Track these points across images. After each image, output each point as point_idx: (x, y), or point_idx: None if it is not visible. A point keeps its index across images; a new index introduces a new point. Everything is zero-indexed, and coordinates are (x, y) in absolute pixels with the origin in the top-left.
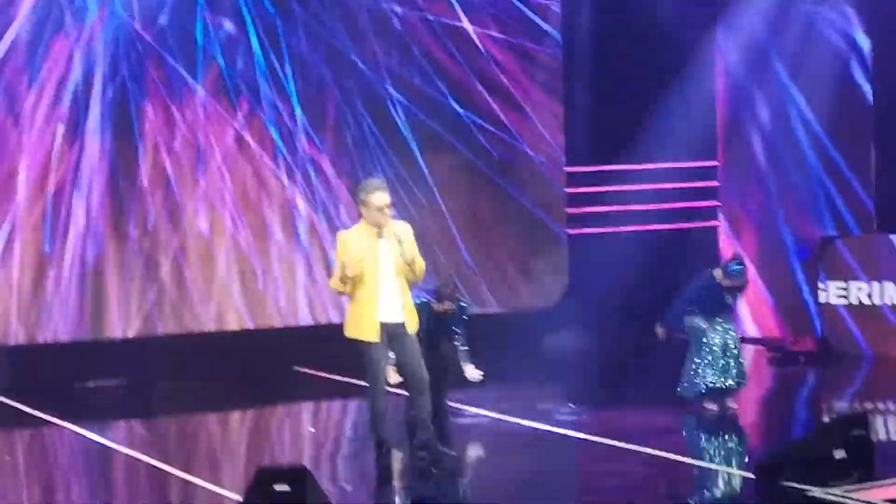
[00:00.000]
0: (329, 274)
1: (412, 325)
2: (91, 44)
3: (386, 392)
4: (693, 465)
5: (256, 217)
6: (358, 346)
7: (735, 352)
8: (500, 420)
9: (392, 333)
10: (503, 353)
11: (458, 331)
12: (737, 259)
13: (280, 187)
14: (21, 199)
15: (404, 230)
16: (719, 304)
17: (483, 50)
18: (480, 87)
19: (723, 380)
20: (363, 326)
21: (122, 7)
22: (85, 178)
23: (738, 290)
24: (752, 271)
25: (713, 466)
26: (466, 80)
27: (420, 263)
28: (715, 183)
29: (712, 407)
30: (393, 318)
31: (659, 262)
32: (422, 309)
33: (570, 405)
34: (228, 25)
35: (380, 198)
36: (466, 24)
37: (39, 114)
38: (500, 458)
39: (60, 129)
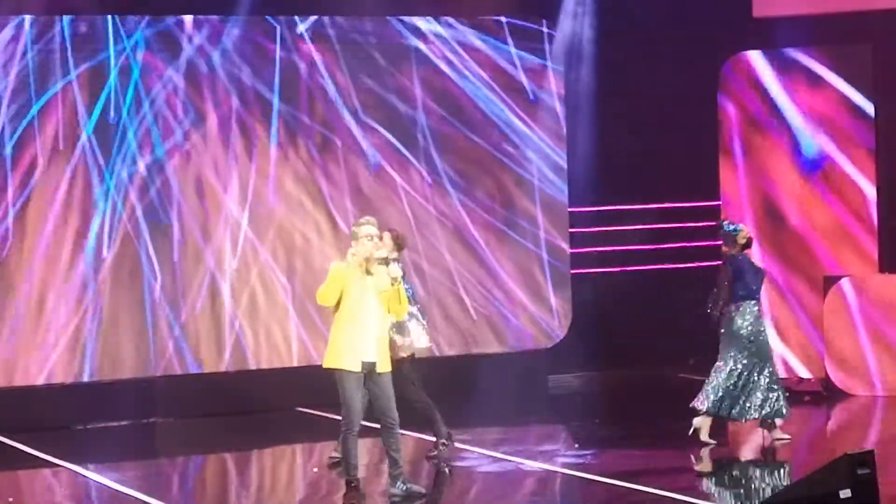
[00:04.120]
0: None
1: (384, 365)
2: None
3: (358, 426)
4: None
5: (264, 257)
6: (336, 377)
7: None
8: (504, 460)
9: (367, 369)
10: (505, 393)
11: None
12: (722, 224)
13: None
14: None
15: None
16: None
17: (485, 99)
18: (488, 130)
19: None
20: (343, 357)
21: None
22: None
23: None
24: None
25: None
26: (471, 120)
27: (404, 293)
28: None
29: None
30: (368, 356)
31: (665, 301)
32: None
33: (576, 445)
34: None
35: (367, 229)
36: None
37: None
38: (502, 499)
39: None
